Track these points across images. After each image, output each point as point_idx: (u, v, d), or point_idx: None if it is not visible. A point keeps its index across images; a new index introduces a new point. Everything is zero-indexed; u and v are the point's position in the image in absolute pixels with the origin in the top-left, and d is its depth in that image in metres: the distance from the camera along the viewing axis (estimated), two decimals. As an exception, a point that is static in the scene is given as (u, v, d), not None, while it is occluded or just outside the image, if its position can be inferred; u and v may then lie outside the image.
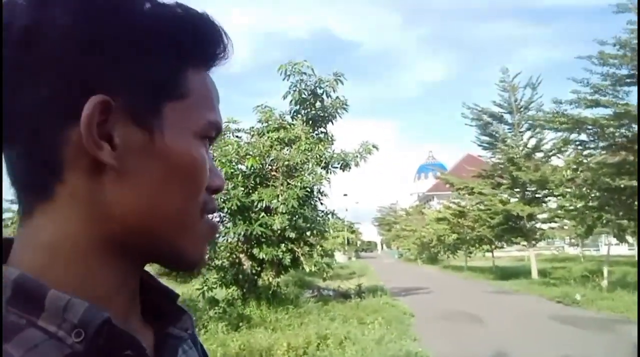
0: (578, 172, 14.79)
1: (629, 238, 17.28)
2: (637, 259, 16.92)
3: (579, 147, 14.61)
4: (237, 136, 10.34)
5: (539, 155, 19.95)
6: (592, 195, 14.18)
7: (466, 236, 24.44)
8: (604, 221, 14.27)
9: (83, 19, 0.41)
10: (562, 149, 17.23)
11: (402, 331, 8.93)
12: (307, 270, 10.45)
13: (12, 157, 0.43)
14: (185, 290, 11.45)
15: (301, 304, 10.52)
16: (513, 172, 18.70)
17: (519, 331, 9.37)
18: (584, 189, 14.43)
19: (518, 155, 19.98)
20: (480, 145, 21.93)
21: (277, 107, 11.03)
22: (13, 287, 0.40)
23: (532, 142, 20.21)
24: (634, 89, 11.21)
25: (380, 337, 7.82)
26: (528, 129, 20.29)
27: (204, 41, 0.48)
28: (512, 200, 20.07)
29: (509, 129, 20.88)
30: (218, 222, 9.80)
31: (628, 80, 11.45)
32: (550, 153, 19.52)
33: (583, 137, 12.94)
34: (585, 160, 14.12)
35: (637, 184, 10.02)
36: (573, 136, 13.50)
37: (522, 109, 20.12)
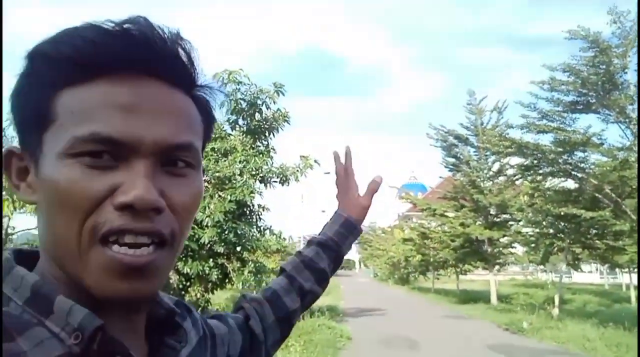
0: (534, 198, 14.63)
1: (587, 267, 17.13)
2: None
3: (539, 174, 14.46)
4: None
5: (502, 178, 19.80)
6: (546, 222, 13.98)
7: (430, 257, 24.13)
8: (556, 249, 14.07)
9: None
10: (526, 173, 17.10)
11: (324, 355, 8.53)
12: (239, 287, 10.01)
13: None
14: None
15: (229, 322, 10.07)
16: (474, 195, 18.51)
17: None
18: (539, 215, 14.24)
19: (482, 178, 19.83)
20: (446, 167, 21.74)
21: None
22: (31, 289, 0.46)
23: (497, 166, 20.08)
24: (581, 116, 11.11)
25: (292, 363, 7.42)
26: (493, 153, 20.18)
27: (90, 54, 0.47)
28: (477, 223, 19.85)
29: (474, 151, 20.75)
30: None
31: (576, 107, 11.35)
32: (514, 177, 19.38)
33: (527, 162, 12.74)
34: (541, 187, 13.96)
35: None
36: (518, 161, 13.32)
37: (487, 133, 20.03)
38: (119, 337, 0.48)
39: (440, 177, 25.66)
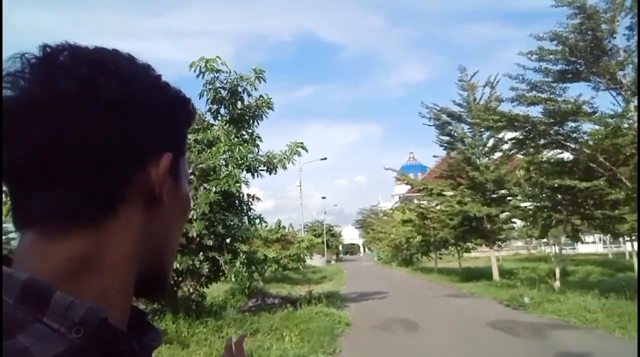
0: (530, 172, 14.43)
1: (590, 237, 17.01)
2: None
3: (532, 146, 14.23)
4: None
5: (498, 154, 19.58)
6: (542, 195, 13.79)
7: (431, 237, 24.02)
8: (554, 221, 13.89)
9: (159, 92, 0.54)
10: (521, 147, 16.88)
11: (320, 343, 8.40)
12: (232, 279, 9.89)
13: (50, 191, 0.47)
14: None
15: (224, 316, 9.95)
16: (470, 173, 18.31)
17: (449, 340, 8.94)
18: (536, 188, 14.05)
19: (477, 155, 19.60)
20: (441, 146, 21.51)
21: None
22: (22, 287, 0.45)
23: (491, 142, 19.85)
24: (571, 85, 10.85)
25: (285, 353, 7.28)
26: (487, 129, 19.94)
27: (190, 109, 0.59)
28: (475, 200, 19.68)
29: (468, 129, 20.50)
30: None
31: (565, 76, 11.06)
32: (509, 152, 19.17)
33: (520, 135, 12.49)
34: (535, 160, 13.73)
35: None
36: (513, 136, 13.08)
37: (477, 108, 19.76)
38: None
39: (435, 156, 25.41)
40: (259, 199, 10.74)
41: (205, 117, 10.11)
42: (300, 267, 27.01)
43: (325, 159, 42.55)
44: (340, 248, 75.34)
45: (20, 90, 0.46)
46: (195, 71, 9.31)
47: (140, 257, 0.53)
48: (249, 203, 10.59)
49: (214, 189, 8.90)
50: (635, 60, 10.32)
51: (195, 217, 8.58)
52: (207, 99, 9.70)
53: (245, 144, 9.91)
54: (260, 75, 9.78)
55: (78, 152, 0.47)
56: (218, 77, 9.54)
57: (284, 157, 10.23)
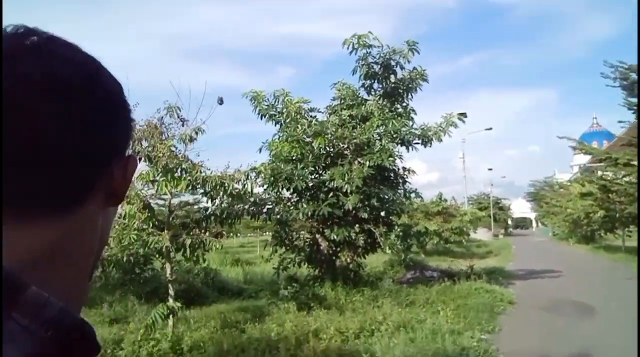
0: None
1: None
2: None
3: None
4: (311, 116, 10.19)
5: None
6: None
7: (616, 213, 21.18)
8: None
9: (123, 99, 0.56)
10: None
11: (478, 320, 8.11)
12: (387, 251, 10.04)
13: (32, 175, 0.47)
14: (269, 268, 11.84)
15: (380, 286, 10.15)
16: (668, 138, 15.57)
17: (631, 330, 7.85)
18: None
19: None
20: (629, 109, 18.57)
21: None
22: None
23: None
24: None
25: (438, 327, 7.18)
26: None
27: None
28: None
29: (668, 86, 17.33)
30: (288, 200, 9.90)
31: None
32: None
33: None
34: None
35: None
36: None
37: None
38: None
39: (620, 121, 22.00)
40: (414, 172, 10.62)
41: (359, 93, 10.26)
42: (463, 240, 26.23)
43: (491, 129, 39.99)
44: (509, 222, 70.85)
45: (18, 73, 0.46)
46: (348, 48, 9.46)
47: (95, 250, 0.54)
48: (404, 176, 10.55)
49: (367, 163, 9.04)
50: None
51: (349, 191, 8.83)
52: (360, 75, 9.82)
53: (399, 118, 9.83)
54: (413, 47, 9.54)
55: (65, 140, 0.47)
56: (370, 52, 9.57)
57: (440, 129, 9.91)
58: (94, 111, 0.50)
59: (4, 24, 0.50)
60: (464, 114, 10.16)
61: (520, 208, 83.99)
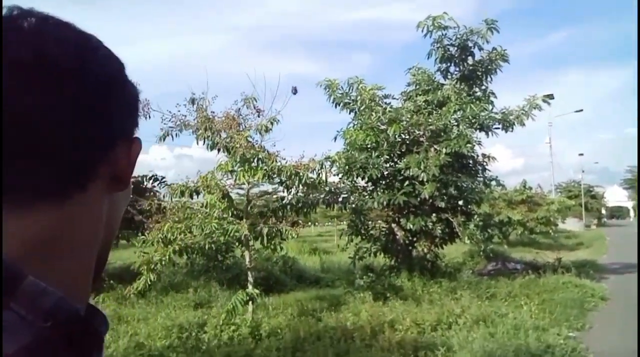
0: None
1: None
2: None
3: None
4: (385, 103, 10.02)
5: None
6: None
7: None
8: None
9: (133, 87, 0.56)
10: None
11: (565, 316, 7.64)
12: (466, 241, 9.71)
13: (29, 163, 0.45)
14: (344, 257, 11.84)
15: (459, 278, 9.85)
16: None
17: None
18: None
19: None
20: None
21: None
22: None
23: None
24: None
25: (521, 323, 6.84)
26: None
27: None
28: None
29: None
30: (363, 189, 9.83)
31: None
32: None
33: None
34: None
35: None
36: None
37: None
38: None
39: None
40: (495, 159, 10.15)
41: (434, 77, 9.94)
42: (551, 231, 24.79)
43: (581, 111, 37.28)
44: (603, 211, 65.98)
45: (9, 57, 0.44)
46: (422, 31, 9.17)
47: (100, 238, 0.52)
48: (484, 163, 10.12)
49: (444, 150, 8.76)
50: None
51: (426, 179, 8.62)
52: (436, 59, 9.50)
53: (478, 102, 9.41)
54: (492, 26, 9.07)
55: (62, 124, 0.46)
56: (446, 34, 9.22)
57: (522, 113, 9.37)
58: (88, 93, 0.48)
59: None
60: (550, 96, 9.56)
61: (616, 196, 77.96)
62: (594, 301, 9.22)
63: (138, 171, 10.35)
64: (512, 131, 9.39)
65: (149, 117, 7.07)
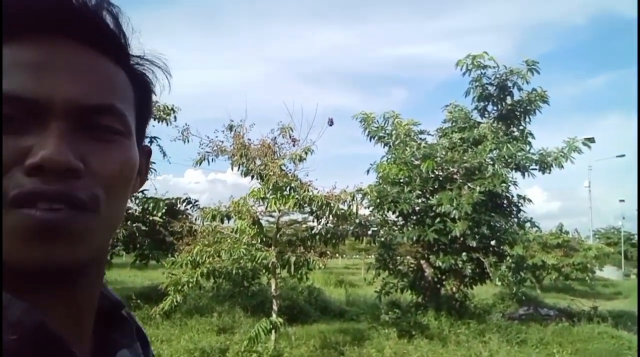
0: None
1: None
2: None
3: None
4: (420, 138, 10.02)
5: None
6: None
7: None
8: None
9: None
10: None
11: (601, 370, 7.28)
12: (497, 283, 9.44)
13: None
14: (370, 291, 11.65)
15: (488, 320, 9.53)
16: None
17: None
18: None
19: None
20: None
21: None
22: None
23: None
24: None
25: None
26: None
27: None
28: None
29: None
30: (393, 223, 9.72)
31: None
32: None
33: None
34: None
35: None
36: None
37: None
38: (60, 331, 0.44)
39: None
40: (530, 200, 9.93)
41: (471, 115, 9.89)
42: (587, 278, 23.84)
43: (623, 156, 36.22)
44: (644, 260, 63.07)
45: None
46: (461, 69, 9.21)
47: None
48: (519, 204, 9.91)
49: (478, 188, 8.63)
50: None
51: (458, 217, 8.49)
52: (474, 97, 9.47)
53: (515, 142, 9.30)
54: (533, 67, 9.02)
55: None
56: (485, 73, 9.21)
57: (560, 155, 9.19)
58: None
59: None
60: (591, 139, 9.36)
61: (659, 245, 74.67)
62: (631, 354, 8.74)
63: (172, 193, 10.62)
64: (549, 173, 9.20)
65: (188, 141, 7.28)
